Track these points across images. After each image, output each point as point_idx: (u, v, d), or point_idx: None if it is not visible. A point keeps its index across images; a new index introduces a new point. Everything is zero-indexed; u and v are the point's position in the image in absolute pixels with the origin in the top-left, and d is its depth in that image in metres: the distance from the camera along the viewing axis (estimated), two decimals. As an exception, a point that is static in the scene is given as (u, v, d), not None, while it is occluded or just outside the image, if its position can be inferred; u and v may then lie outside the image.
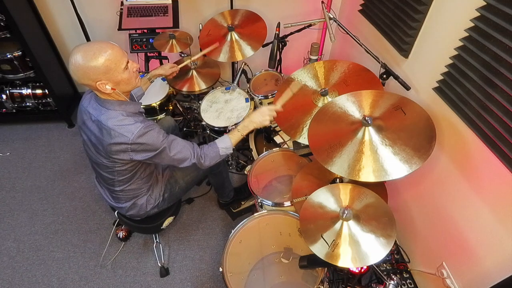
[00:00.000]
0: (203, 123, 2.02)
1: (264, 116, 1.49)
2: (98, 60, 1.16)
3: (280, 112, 1.53)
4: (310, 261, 1.33)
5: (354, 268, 1.37)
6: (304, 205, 1.29)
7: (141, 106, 2.08)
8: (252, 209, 2.11)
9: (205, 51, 2.02)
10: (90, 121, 1.31)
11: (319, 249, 1.13)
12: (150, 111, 2.18)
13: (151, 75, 1.82)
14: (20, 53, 2.29)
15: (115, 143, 1.25)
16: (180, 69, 1.94)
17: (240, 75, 2.18)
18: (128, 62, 1.26)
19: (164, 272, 1.85)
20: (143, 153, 1.30)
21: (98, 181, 1.61)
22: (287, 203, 1.59)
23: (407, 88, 1.50)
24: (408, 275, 1.63)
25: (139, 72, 1.27)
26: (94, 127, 1.29)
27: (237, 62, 2.53)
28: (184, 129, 2.46)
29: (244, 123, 1.52)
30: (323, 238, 1.14)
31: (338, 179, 1.49)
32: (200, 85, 2.14)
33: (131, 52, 2.25)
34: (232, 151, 1.54)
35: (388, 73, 1.52)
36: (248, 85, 2.16)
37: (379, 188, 1.46)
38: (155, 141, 1.29)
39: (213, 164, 1.51)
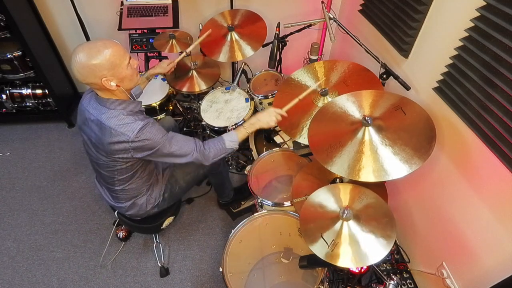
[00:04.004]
0: (203, 123, 2.01)
1: (271, 117, 1.49)
2: (103, 56, 1.18)
3: (283, 115, 1.53)
4: (310, 261, 1.33)
5: (353, 268, 1.37)
6: (304, 204, 1.29)
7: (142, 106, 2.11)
8: (252, 209, 2.11)
9: (199, 40, 1.98)
10: (90, 121, 1.31)
11: (318, 249, 1.13)
12: (150, 111, 2.17)
13: (148, 74, 1.81)
14: (20, 53, 2.29)
15: (116, 142, 1.25)
16: (180, 70, 1.92)
17: (240, 75, 2.18)
18: (130, 58, 1.28)
19: (164, 272, 1.85)
20: (143, 150, 1.30)
21: (98, 180, 1.61)
22: (287, 203, 1.59)
23: (407, 88, 1.50)
24: (408, 275, 1.63)
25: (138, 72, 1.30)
26: (94, 127, 1.30)
27: (237, 62, 2.53)
28: (184, 129, 2.46)
29: (251, 121, 1.52)
30: (323, 238, 1.14)
31: (338, 179, 1.49)
32: (200, 85, 2.14)
33: (131, 52, 2.25)
34: (237, 147, 1.53)
35: (388, 73, 1.52)
36: (248, 85, 2.16)
37: (379, 188, 1.46)
38: (154, 138, 1.29)
39: (218, 159, 1.49)
